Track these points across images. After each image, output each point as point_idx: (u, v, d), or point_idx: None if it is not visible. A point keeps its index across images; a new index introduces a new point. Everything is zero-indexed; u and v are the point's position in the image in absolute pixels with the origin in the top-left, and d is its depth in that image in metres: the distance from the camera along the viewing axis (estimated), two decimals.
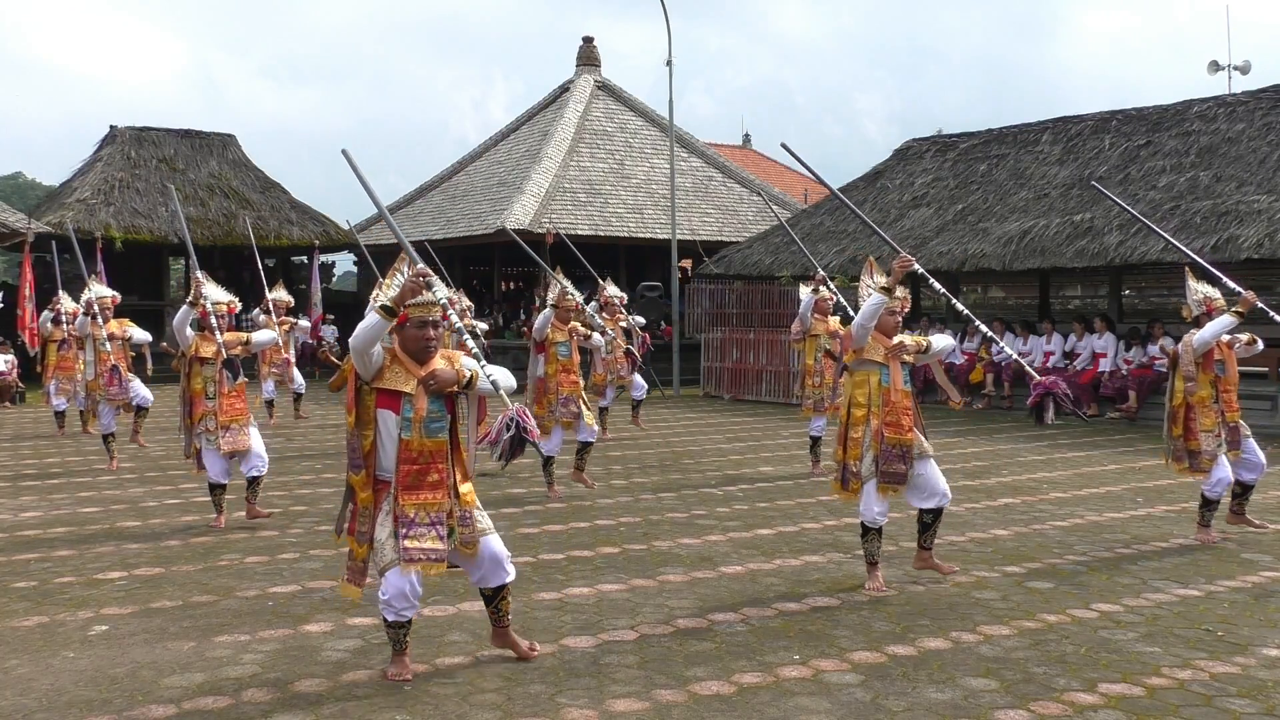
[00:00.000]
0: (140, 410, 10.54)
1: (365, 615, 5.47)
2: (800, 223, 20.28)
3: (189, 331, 7.64)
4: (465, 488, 4.62)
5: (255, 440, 7.76)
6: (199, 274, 7.81)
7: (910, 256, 5.86)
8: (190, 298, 7.68)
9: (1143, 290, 24.69)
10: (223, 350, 7.58)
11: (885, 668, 4.72)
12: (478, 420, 4.77)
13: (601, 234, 22.65)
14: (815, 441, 10.23)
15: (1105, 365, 14.98)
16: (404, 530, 4.44)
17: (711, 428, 14.31)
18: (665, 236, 21.26)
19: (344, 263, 31.10)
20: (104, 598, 5.83)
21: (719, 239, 23.23)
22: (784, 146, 7.34)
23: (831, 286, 10.25)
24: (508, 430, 4.45)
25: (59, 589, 6.02)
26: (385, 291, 4.52)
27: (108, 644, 5.05)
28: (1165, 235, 8.13)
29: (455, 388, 4.52)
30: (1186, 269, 7.57)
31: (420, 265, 4.46)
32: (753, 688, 4.48)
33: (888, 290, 5.84)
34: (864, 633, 5.21)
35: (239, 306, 8.17)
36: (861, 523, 6.04)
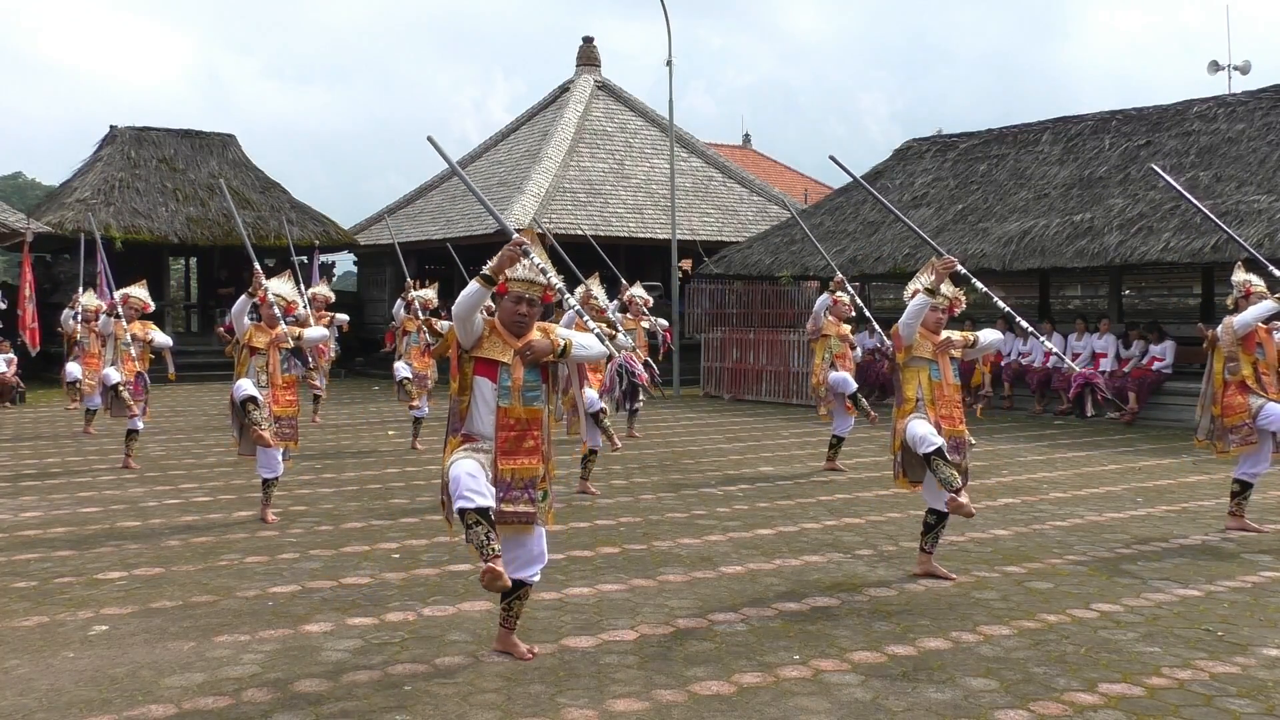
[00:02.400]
0: (131, 434, 10.53)
1: (365, 615, 5.47)
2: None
3: (246, 320, 7.73)
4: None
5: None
6: (258, 265, 7.88)
7: (953, 258, 6.03)
8: (250, 288, 7.74)
9: (1143, 290, 24.70)
10: (286, 337, 7.72)
11: (885, 668, 4.72)
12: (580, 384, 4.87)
13: (601, 234, 22.64)
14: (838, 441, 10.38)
15: (1105, 365, 14.98)
16: (500, 494, 4.54)
17: (711, 428, 14.31)
18: (665, 236, 21.26)
19: (344, 263, 31.12)
20: (104, 598, 5.83)
21: (719, 239, 23.23)
22: (833, 159, 7.40)
23: (850, 290, 10.32)
24: (620, 381, 4.53)
25: (59, 589, 6.02)
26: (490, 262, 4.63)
27: (108, 644, 5.05)
28: (1222, 225, 8.23)
29: (551, 357, 4.66)
30: (1240, 261, 7.80)
31: (516, 235, 4.54)
32: (753, 688, 4.48)
33: (930, 291, 6.03)
34: (864, 633, 5.21)
35: (299, 305, 8.27)
36: (935, 511, 6.16)
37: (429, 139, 5.31)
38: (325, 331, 9.06)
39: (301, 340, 8.01)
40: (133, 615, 5.51)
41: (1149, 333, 14.86)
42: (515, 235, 4.55)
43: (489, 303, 4.66)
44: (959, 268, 6.05)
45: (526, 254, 4.55)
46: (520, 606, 4.83)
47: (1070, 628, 5.29)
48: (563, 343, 4.69)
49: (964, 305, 6.50)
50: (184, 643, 5.05)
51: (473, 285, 4.50)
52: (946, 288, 6.17)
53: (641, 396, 4.77)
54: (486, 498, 4.39)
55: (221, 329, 9.14)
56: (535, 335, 4.69)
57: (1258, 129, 15.60)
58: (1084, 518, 8.03)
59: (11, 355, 17.55)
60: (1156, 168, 9.03)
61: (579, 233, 21.86)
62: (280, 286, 7.96)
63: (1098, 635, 5.18)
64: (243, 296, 7.77)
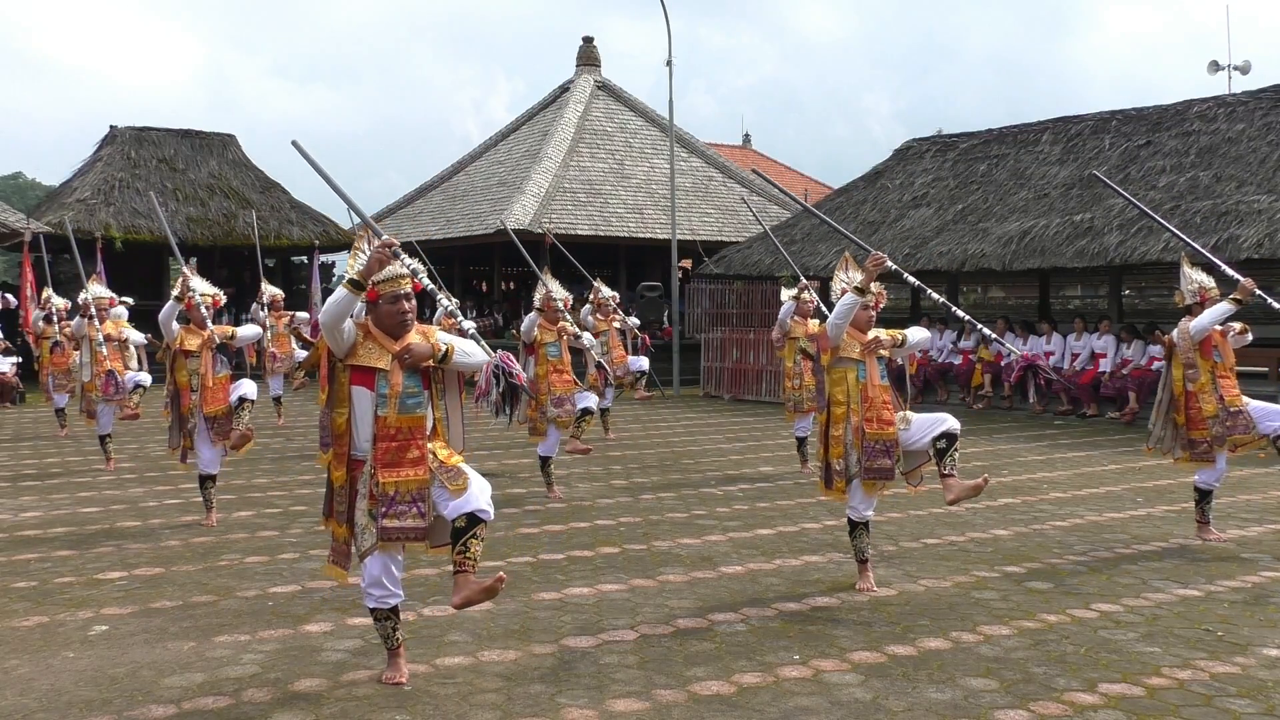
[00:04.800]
0: (138, 387, 10.52)
1: (365, 615, 5.46)
2: (799, 223, 20.28)
3: (174, 325, 7.73)
4: (445, 452, 4.47)
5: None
6: (185, 268, 7.88)
7: (883, 255, 5.78)
8: (176, 292, 7.74)
9: (1143, 290, 24.71)
10: (214, 337, 7.70)
11: (885, 668, 4.72)
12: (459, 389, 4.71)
13: (601, 234, 22.66)
14: (801, 441, 10.31)
15: (1105, 365, 14.98)
16: (383, 509, 4.34)
17: (711, 428, 14.30)
18: (665, 236, 21.26)
19: (344, 263, 31.12)
20: (104, 598, 5.83)
21: (719, 239, 23.23)
22: (755, 172, 7.37)
23: (812, 292, 10.24)
24: (497, 383, 4.40)
25: (59, 589, 6.03)
26: (353, 265, 4.45)
27: (108, 644, 5.05)
28: (1165, 223, 8.08)
29: (431, 361, 4.45)
30: (1183, 255, 7.54)
31: (386, 236, 4.37)
32: (753, 688, 4.48)
33: (860, 291, 5.82)
34: (864, 633, 5.21)
35: (224, 299, 8.24)
36: (849, 519, 6.02)
37: (294, 144, 5.01)
38: (259, 330, 9.04)
39: (235, 339, 7.97)
40: (133, 615, 5.51)
41: (1148, 333, 14.86)
42: (385, 236, 4.37)
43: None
44: (889, 264, 5.84)
45: (396, 255, 4.35)
46: (476, 546, 4.31)
47: (1070, 628, 5.29)
48: (444, 347, 4.43)
49: (885, 300, 6.30)
50: (184, 643, 5.05)
51: (340, 291, 4.30)
52: (873, 284, 5.93)
53: (525, 394, 4.49)
54: (399, 596, 4.48)
55: (151, 335, 9.15)
56: (415, 338, 4.44)
57: (1258, 129, 15.60)
58: (1084, 518, 8.03)
59: (17, 357, 17.56)
60: (1099, 174, 8.89)
61: (584, 231, 21.93)
62: (201, 285, 7.93)
63: (1098, 635, 5.18)
64: (169, 303, 7.76)
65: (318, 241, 23.41)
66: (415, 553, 6.76)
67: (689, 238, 22.29)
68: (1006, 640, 5.10)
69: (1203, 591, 5.95)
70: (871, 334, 5.99)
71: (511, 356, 4.41)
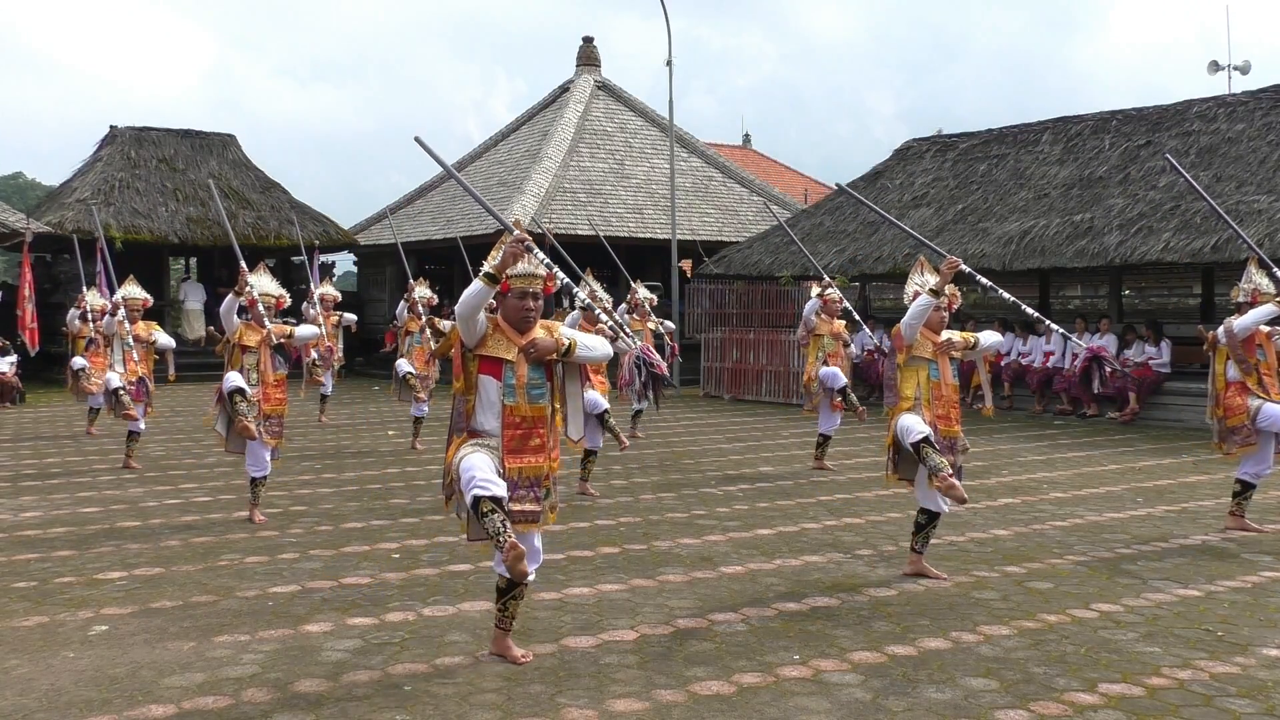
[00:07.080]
0: (132, 435, 10.54)
1: (365, 615, 5.48)
2: (800, 222, 20.29)
3: (235, 319, 7.72)
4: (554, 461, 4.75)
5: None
6: (244, 264, 7.86)
7: (957, 259, 5.97)
8: (236, 287, 7.73)
9: (1143, 290, 24.72)
10: (272, 336, 7.69)
11: (885, 668, 4.72)
12: (580, 385, 4.96)
13: (601, 234, 22.64)
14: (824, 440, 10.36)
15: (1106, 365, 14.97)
16: (508, 493, 4.52)
17: (711, 428, 14.30)
18: (665, 236, 21.26)
19: (344, 263, 31.12)
20: (104, 598, 5.83)
21: (719, 239, 23.23)
22: (839, 186, 7.46)
23: (837, 290, 10.27)
24: (639, 372, 4.56)
25: (59, 589, 6.02)
26: (491, 259, 4.62)
27: (108, 644, 5.05)
28: (1231, 223, 8.21)
29: (554, 356, 4.66)
30: (1250, 257, 7.80)
31: (518, 233, 4.54)
32: (753, 688, 4.48)
33: (935, 292, 5.98)
34: (864, 633, 5.21)
35: (288, 300, 8.27)
36: (923, 510, 6.18)
37: (416, 139, 5.30)
38: (317, 330, 9.00)
39: (293, 339, 7.97)
40: (133, 615, 5.51)
41: (1150, 330, 14.85)
42: (516, 232, 4.55)
43: (491, 301, 4.66)
44: (963, 267, 6.02)
45: (529, 250, 4.55)
46: (516, 607, 4.80)
47: (1070, 628, 5.29)
48: (567, 342, 4.69)
49: (960, 301, 6.47)
50: (184, 643, 5.05)
51: (476, 284, 4.51)
52: (947, 286, 6.12)
53: (665, 385, 4.80)
54: (500, 487, 4.43)
55: (212, 328, 9.16)
56: (540, 333, 4.69)
57: (1258, 129, 15.60)
58: (1084, 518, 8.03)
59: (15, 357, 17.54)
60: (1171, 158, 9.04)
61: (584, 231, 21.93)
62: (266, 284, 7.94)
63: (1098, 635, 5.18)
64: (229, 296, 7.76)
65: (318, 241, 23.37)
66: (416, 554, 6.81)
67: (689, 238, 22.29)
68: (1006, 640, 5.10)
69: (1203, 591, 5.95)
70: (945, 335, 6.14)
71: (651, 349, 4.58)
